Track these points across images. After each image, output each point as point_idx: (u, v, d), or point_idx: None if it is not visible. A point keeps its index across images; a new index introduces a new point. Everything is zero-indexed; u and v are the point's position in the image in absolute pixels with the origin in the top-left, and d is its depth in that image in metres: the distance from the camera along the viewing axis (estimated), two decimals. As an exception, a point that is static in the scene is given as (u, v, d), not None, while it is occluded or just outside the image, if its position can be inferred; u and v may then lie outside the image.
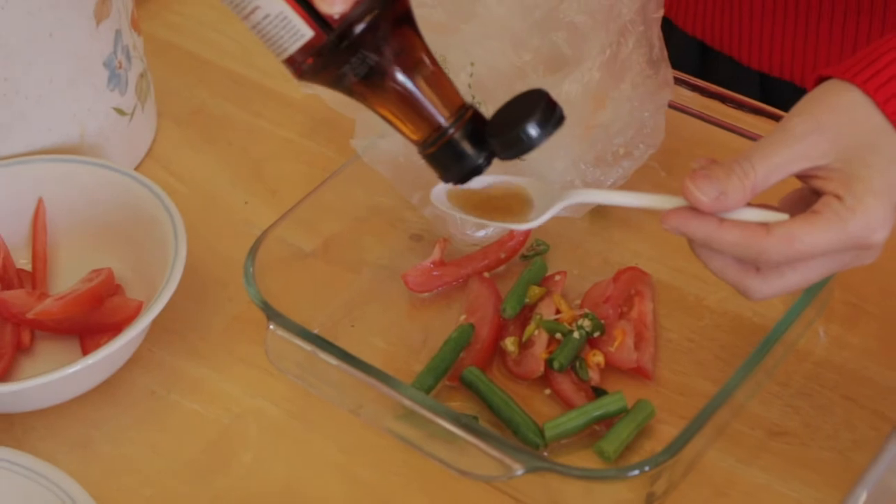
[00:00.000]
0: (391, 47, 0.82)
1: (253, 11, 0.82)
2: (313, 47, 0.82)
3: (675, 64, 1.12)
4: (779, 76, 1.21)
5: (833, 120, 0.84)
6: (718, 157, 1.09)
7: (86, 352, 1.01)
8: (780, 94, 1.21)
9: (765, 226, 0.83)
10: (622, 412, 0.95)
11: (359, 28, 0.81)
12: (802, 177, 0.85)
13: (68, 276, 1.07)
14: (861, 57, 0.85)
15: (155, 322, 1.01)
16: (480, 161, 0.86)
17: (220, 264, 1.09)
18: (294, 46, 0.82)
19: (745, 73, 1.23)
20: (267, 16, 0.81)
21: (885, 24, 1.12)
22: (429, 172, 1.03)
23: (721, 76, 1.24)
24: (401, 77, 0.83)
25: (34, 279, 1.07)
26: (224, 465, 0.96)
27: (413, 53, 0.83)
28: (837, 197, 0.82)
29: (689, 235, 0.84)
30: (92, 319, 1.02)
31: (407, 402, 0.89)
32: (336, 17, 0.81)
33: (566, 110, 1.02)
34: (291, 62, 0.83)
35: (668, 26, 1.27)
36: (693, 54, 1.28)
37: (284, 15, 0.81)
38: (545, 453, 0.93)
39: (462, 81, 1.04)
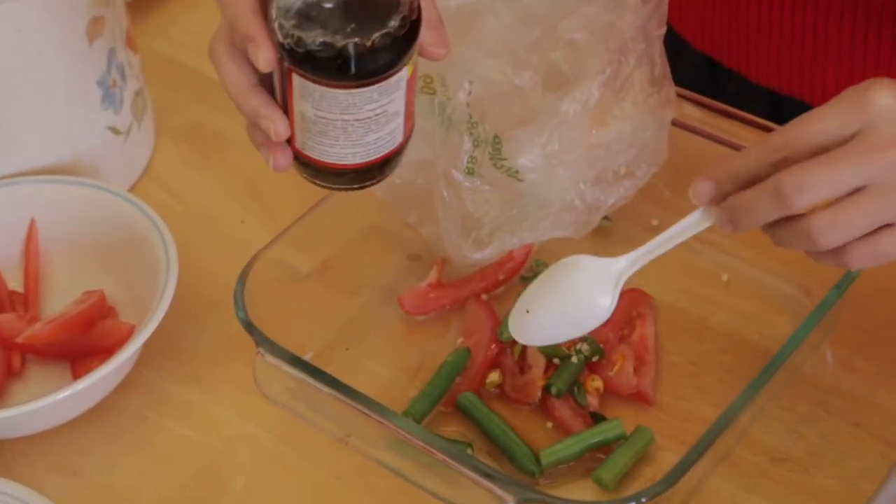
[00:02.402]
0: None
1: None
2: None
3: (684, 80, 1.09)
4: (788, 94, 1.18)
5: (862, 95, 0.83)
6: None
7: (76, 376, 0.99)
8: (789, 112, 1.18)
9: None
10: (621, 439, 0.92)
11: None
12: None
13: (61, 298, 1.06)
14: None
15: (147, 345, 1.00)
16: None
17: (214, 285, 1.07)
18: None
19: (753, 90, 1.21)
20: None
21: (895, 43, 1.09)
22: (425, 192, 1.02)
23: (730, 92, 1.21)
24: None
25: (26, 301, 1.06)
26: (215, 492, 0.95)
27: None
28: None
29: (713, 174, 0.83)
30: (83, 343, 1.01)
31: (396, 431, 0.87)
32: None
33: (565, 130, 1.00)
34: None
35: (677, 42, 1.25)
36: (702, 70, 1.26)
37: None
38: (541, 481, 0.91)
39: (460, 100, 1.01)
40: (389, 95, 0.82)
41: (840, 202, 0.80)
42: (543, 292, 0.91)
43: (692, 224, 0.87)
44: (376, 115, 0.82)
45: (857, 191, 0.80)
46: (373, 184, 0.88)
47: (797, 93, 1.18)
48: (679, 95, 1.04)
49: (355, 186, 0.88)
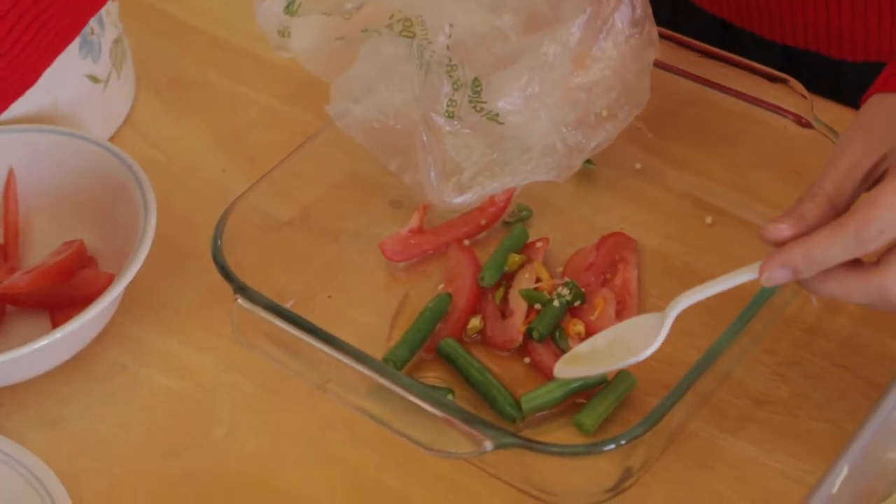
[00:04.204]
0: None
1: None
2: None
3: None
4: (804, 48, 1.17)
5: (880, 119, 0.85)
6: (708, 117, 1.07)
7: (56, 326, 0.98)
8: (805, 65, 1.17)
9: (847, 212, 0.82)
10: (602, 383, 0.92)
11: None
12: (876, 173, 0.84)
13: (41, 248, 1.05)
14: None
15: (128, 295, 0.99)
16: None
17: (195, 235, 1.06)
18: None
19: (768, 47, 1.19)
20: None
21: None
22: (405, 137, 1.01)
23: (744, 53, 1.19)
24: None
25: (6, 251, 1.05)
26: (196, 441, 0.94)
27: None
28: None
29: (790, 262, 0.82)
30: (62, 293, 1.00)
31: (377, 378, 0.86)
32: None
33: (546, 72, 0.99)
34: None
35: (688, 6, 1.23)
36: (714, 32, 1.23)
37: None
38: (522, 427, 0.91)
39: (440, 43, 1.00)
40: None
41: None
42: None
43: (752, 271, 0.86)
44: None
45: None
46: None
47: (812, 45, 1.16)
48: (661, 36, 1.03)
49: None
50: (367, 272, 1.03)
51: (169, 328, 1.01)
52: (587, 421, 0.90)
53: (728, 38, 1.22)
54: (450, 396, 0.92)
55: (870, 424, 0.82)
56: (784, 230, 0.83)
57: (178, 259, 1.05)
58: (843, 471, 0.79)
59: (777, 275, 0.83)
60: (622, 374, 0.92)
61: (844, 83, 1.05)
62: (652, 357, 0.95)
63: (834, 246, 0.81)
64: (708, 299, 0.97)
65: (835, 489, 0.79)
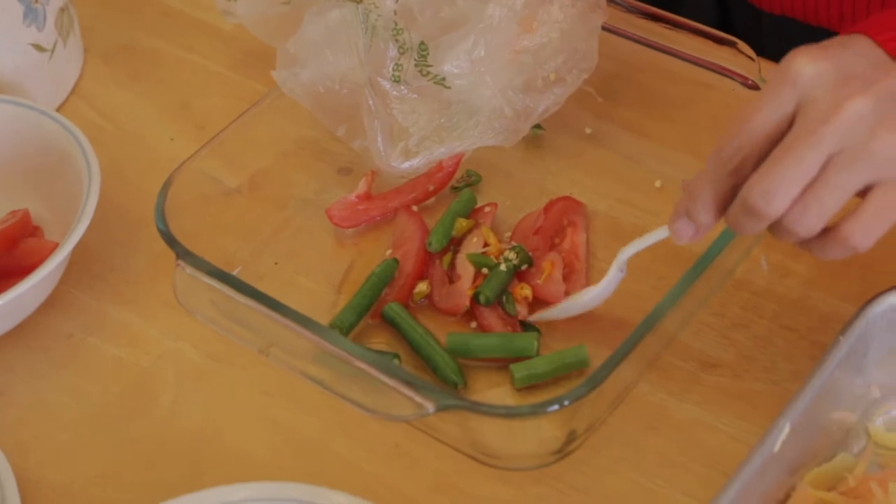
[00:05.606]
0: None
1: None
2: None
3: (694, 10, 1.08)
4: (800, 18, 1.16)
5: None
6: (657, 80, 1.07)
7: (0, 294, 0.98)
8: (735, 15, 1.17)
9: None
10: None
11: None
12: None
13: (-14, 218, 1.04)
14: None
15: (75, 263, 0.99)
16: None
17: (144, 203, 1.04)
18: None
19: (764, 17, 1.18)
20: None
21: None
22: (352, 102, 1.00)
23: (740, 23, 1.19)
24: None
25: (-50, 222, 1.04)
26: (142, 409, 0.94)
27: None
28: None
29: (681, 208, 0.83)
30: (7, 262, 0.99)
31: (316, 341, 0.86)
32: None
33: (491, 35, 0.99)
34: None
35: None
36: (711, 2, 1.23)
37: None
38: (466, 393, 0.90)
39: (387, 8, 1.00)
40: None
41: (807, 187, 0.78)
42: None
43: None
44: None
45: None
46: None
47: (800, 15, 1.15)
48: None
49: None
50: (314, 238, 1.02)
51: (116, 296, 1.00)
52: (518, 371, 0.90)
53: (724, 10, 1.21)
54: (395, 361, 0.92)
55: (812, 384, 0.82)
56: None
57: (126, 227, 1.05)
58: (784, 429, 0.79)
59: (678, 225, 0.84)
60: (575, 350, 0.92)
61: (766, 38, 1.04)
62: (601, 320, 0.95)
63: (706, 174, 0.81)
64: (657, 265, 0.98)
65: (776, 447, 0.78)
